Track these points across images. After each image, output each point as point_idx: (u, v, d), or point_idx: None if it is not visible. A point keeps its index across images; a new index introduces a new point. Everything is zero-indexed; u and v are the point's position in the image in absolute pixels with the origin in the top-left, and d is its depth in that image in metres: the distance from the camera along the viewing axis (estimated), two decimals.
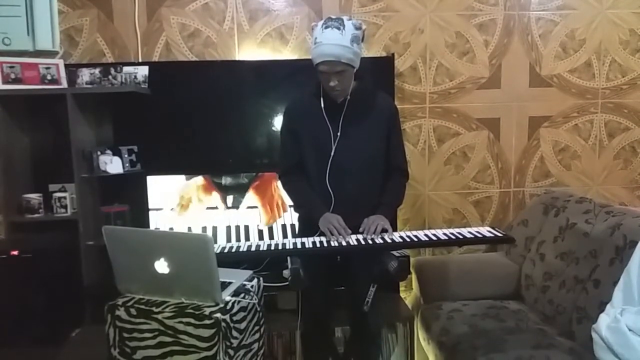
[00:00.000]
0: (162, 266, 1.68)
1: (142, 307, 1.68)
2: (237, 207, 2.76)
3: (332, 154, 2.06)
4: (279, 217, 2.76)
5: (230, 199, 2.76)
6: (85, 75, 2.69)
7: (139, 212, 2.71)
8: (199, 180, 2.75)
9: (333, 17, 1.96)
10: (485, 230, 1.99)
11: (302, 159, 2.15)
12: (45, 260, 2.40)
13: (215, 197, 2.75)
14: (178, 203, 2.72)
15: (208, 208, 2.75)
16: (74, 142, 2.52)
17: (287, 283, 2.01)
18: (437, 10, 2.99)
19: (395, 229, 2.10)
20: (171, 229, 2.70)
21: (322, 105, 2.07)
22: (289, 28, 2.94)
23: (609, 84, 3.13)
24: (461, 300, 2.69)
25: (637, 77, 3.14)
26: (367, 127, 2.09)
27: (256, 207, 2.76)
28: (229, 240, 2.73)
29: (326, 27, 1.92)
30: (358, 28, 1.95)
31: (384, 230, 2.00)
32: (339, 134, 2.07)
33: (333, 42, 1.91)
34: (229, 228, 2.75)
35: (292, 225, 2.76)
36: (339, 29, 1.91)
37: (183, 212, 2.72)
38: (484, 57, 3.06)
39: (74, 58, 2.86)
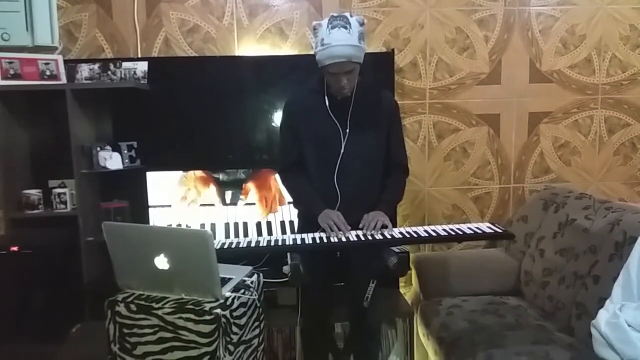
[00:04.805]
0: (162, 262, 1.67)
1: (142, 303, 1.68)
2: (236, 204, 2.76)
3: (342, 152, 2.04)
4: (275, 211, 2.76)
5: (228, 194, 2.76)
6: (84, 70, 2.69)
7: (139, 208, 2.71)
8: (198, 172, 2.74)
9: (336, 15, 1.91)
10: (485, 226, 1.99)
11: (302, 156, 2.13)
12: (45, 256, 2.40)
13: (212, 193, 2.75)
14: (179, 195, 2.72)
15: (206, 205, 2.75)
16: (73, 137, 2.51)
17: (287, 279, 2.01)
18: (437, 6, 2.98)
19: (395, 225, 2.09)
20: (170, 225, 2.71)
21: (327, 103, 2.06)
22: (288, 23, 2.93)
23: (609, 80, 3.13)
24: (461, 296, 2.70)
25: (638, 73, 3.13)
26: (373, 124, 2.08)
27: (254, 203, 2.76)
28: (227, 236, 2.73)
29: (333, 27, 1.88)
30: (362, 24, 1.93)
31: (384, 226, 1.99)
32: (347, 131, 2.05)
33: (343, 43, 1.87)
34: (227, 225, 2.75)
35: (292, 222, 2.76)
36: (345, 28, 1.87)
37: (182, 203, 2.72)
38: (484, 52, 3.05)
39: (73, 53, 2.85)
